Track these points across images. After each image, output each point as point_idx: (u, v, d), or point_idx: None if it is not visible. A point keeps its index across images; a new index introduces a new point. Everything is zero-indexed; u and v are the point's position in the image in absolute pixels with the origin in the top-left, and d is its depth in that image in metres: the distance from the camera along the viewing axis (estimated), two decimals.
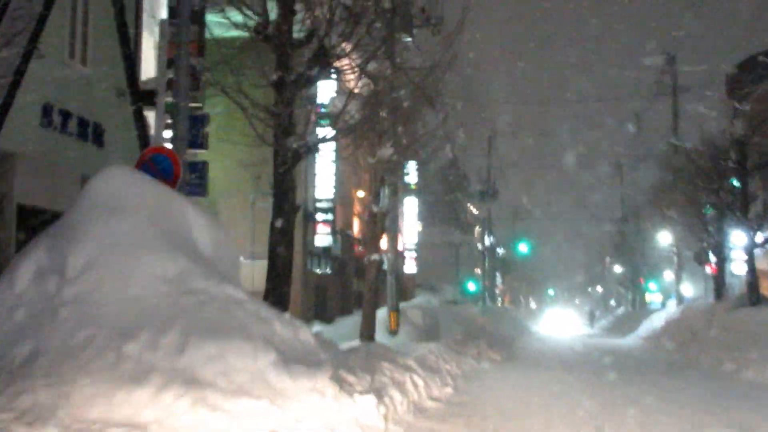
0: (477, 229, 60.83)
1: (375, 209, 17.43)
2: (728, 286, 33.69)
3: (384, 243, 20.70)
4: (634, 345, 28.26)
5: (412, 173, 34.69)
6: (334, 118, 15.06)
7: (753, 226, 22.64)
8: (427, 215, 70.62)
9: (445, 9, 17.07)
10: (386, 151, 17.35)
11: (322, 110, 17.37)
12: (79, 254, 6.86)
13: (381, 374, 9.08)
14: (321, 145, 16.23)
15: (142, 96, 13.60)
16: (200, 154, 14.76)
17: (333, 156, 21.34)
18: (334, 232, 21.44)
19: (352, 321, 20.56)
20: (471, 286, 48.07)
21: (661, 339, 27.92)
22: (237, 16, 12.10)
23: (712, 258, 28.19)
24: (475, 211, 67.20)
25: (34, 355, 6.22)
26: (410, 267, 33.76)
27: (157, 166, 10.32)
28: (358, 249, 26.59)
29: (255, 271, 22.04)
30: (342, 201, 24.92)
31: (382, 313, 20.39)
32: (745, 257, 30.37)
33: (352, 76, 13.94)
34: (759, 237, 22.95)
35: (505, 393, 12.42)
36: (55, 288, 6.70)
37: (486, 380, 14.20)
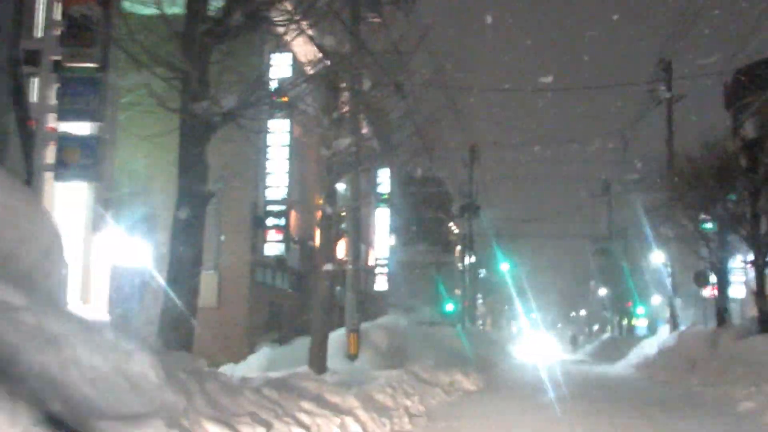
0: (458, 248, 58.14)
1: (328, 210, 14.65)
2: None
3: (343, 252, 17.95)
4: (626, 374, 25.52)
5: (384, 182, 32.03)
6: (279, 92, 12.38)
7: (764, 242, 20.03)
8: (406, 233, 67.99)
9: None
10: (343, 141, 14.64)
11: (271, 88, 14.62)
12: None
13: (292, 423, 6.25)
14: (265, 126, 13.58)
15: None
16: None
17: (287, 153, 18.59)
18: (288, 240, 18.62)
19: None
20: (449, 307, 45.24)
21: (654, 368, 25.20)
22: None
23: (712, 279, 25.64)
24: (456, 230, 64.62)
25: None
26: (381, 284, 30.96)
27: None
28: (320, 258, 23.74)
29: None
30: (302, 207, 22.11)
31: (340, 335, 17.58)
32: (744, 278, 27.87)
33: (291, 36, 11.23)
34: None
35: None
36: None
37: (455, 420, 11.36)
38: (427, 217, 72.77)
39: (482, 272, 67.03)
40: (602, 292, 58.03)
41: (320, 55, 14.20)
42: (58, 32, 10.24)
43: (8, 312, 3.89)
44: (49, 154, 10.00)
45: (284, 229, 18.57)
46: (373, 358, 17.29)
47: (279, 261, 20.30)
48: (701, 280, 25.99)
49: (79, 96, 10.09)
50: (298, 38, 13.52)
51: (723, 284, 24.01)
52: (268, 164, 18.55)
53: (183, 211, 9.21)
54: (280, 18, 10.32)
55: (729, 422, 12.74)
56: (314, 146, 16.13)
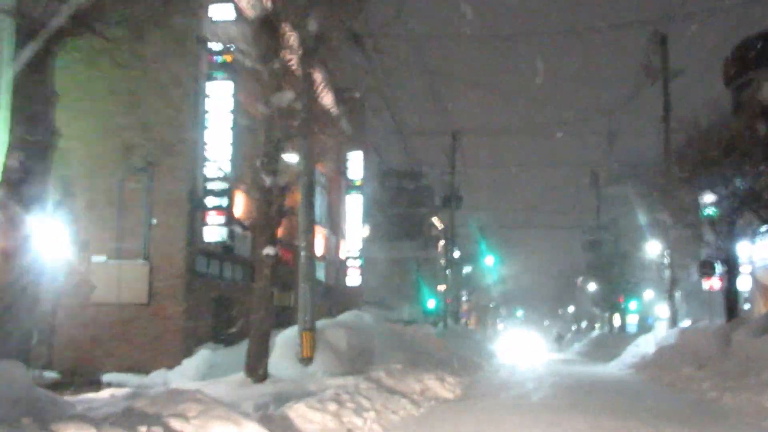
0: (441, 243, 55.53)
1: (267, 182, 11.89)
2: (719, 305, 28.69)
3: (308, 238, 15.22)
4: (623, 376, 22.88)
5: (356, 167, 29.33)
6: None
7: None
8: (386, 228, 65.30)
9: None
10: (284, 95, 11.91)
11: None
12: None
13: None
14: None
15: None
16: None
17: (230, 121, 15.81)
18: (231, 223, 15.83)
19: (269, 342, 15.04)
20: (431, 304, 42.57)
21: (654, 369, 22.59)
22: None
23: (717, 269, 23.10)
24: (439, 225, 61.96)
25: None
26: (353, 278, 28.21)
27: None
28: (281, 251, 21.01)
29: (123, 275, 16.44)
30: None
31: (292, 334, 14.86)
32: (751, 269, 25.33)
33: None
34: None
35: None
36: None
37: None
38: (407, 212, 70.38)
39: (468, 269, 64.55)
40: (592, 287, 55.53)
41: None
42: None
43: None
44: None
45: (227, 210, 15.80)
46: (331, 361, 14.56)
47: (227, 249, 17.54)
48: (707, 270, 23.42)
49: None
50: None
51: (732, 274, 21.42)
52: (207, 134, 15.77)
53: (13, 160, 6.41)
54: None
55: None
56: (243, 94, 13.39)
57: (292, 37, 12.20)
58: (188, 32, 13.56)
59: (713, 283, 27.08)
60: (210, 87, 15.65)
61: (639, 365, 24.99)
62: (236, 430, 5.83)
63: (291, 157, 13.55)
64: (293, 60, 12.47)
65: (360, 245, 28.47)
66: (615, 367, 27.59)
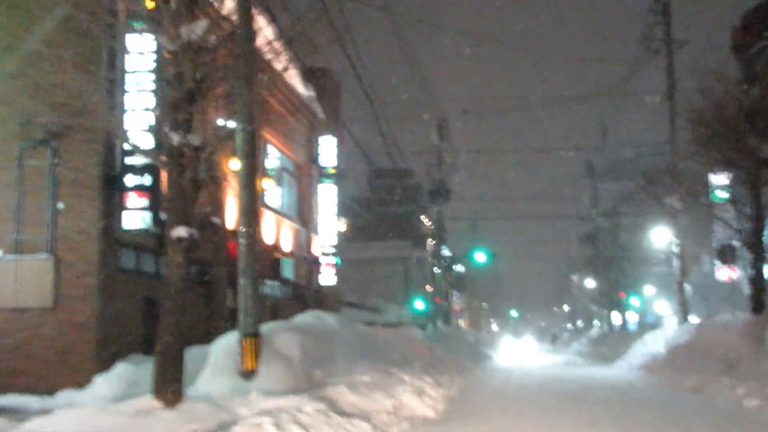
0: (430, 241, 52.67)
1: (175, 140, 8.93)
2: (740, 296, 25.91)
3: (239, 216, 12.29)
4: (634, 380, 20.00)
5: (330, 153, 26.40)
6: None
7: None
8: (373, 227, 62.30)
9: None
10: (196, 25, 8.99)
11: None
12: None
13: None
14: None
15: None
16: None
17: (155, 82, 12.83)
18: (157, 206, 12.83)
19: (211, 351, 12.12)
20: (419, 305, 39.58)
21: (669, 370, 19.74)
22: None
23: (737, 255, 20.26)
24: (429, 224, 59.05)
25: None
26: (327, 278, 25.24)
27: None
28: (232, 243, 18.07)
29: (20, 273, 13.42)
30: None
31: (232, 341, 11.90)
32: None
33: None
34: None
35: None
36: None
37: None
38: (395, 210, 67.54)
39: (460, 269, 61.79)
40: (590, 283, 52.71)
41: None
42: None
43: None
44: None
45: (151, 190, 12.82)
46: (280, 374, 11.60)
47: (161, 240, 14.53)
48: (727, 256, 20.53)
49: None
50: None
51: (759, 259, 18.56)
52: (126, 99, 12.79)
53: None
54: None
55: None
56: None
57: None
58: None
59: (730, 273, 24.19)
60: (129, 41, 12.69)
61: (650, 366, 22.14)
62: None
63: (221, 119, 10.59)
64: None
65: (334, 241, 25.48)
66: (622, 369, 24.74)
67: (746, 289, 22.48)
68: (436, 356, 21.67)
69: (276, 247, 21.49)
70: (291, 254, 22.90)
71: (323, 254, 25.31)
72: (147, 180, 12.77)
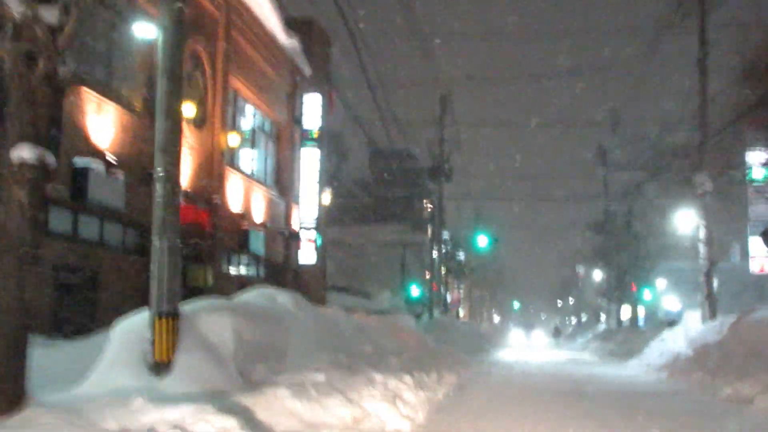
0: (431, 228, 49.60)
1: (16, 13, 5.87)
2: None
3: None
4: (656, 383, 17.03)
5: (314, 113, 23.33)
6: None
7: None
8: (372, 210, 59.23)
9: None
10: None
11: None
12: None
13: None
14: None
15: None
16: None
17: None
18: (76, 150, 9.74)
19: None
20: (414, 291, 36.64)
21: (699, 374, 16.66)
22: None
23: None
24: (430, 208, 55.98)
25: None
26: (307, 255, 22.20)
27: None
28: (186, 206, 15.07)
29: None
30: (140, 109, 13.42)
31: (140, 324, 8.85)
32: None
33: None
34: None
35: None
36: None
37: None
38: (395, 193, 64.46)
39: (461, 256, 58.89)
40: (597, 275, 49.66)
41: None
42: None
43: None
44: None
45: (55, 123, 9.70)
46: (205, 368, 8.61)
47: (77, 194, 11.57)
48: None
49: None
50: None
51: None
52: None
53: None
54: None
55: None
56: None
57: None
58: None
59: (763, 264, 21.14)
60: None
61: (672, 367, 19.10)
62: None
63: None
64: None
65: (316, 214, 22.42)
66: (638, 369, 21.72)
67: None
68: (428, 349, 18.71)
69: (243, 217, 18.47)
70: (263, 226, 19.88)
71: (303, 228, 22.27)
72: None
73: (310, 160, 22.40)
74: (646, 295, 38.50)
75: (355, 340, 11.85)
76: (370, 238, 52.01)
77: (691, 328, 22.32)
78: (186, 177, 15.28)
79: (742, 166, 21.10)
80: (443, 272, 42.23)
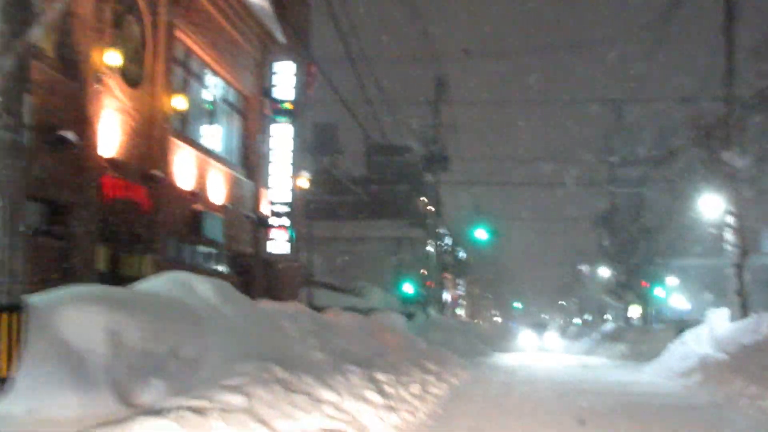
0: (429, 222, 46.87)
1: None
2: None
3: None
4: (688, 394, 14.20)
5: (287, 83, 20.51)
6: None
7: None
8: (370, 206, 56.44)
9: None
10: None
11: None
12: None
13: None
14: None
15: None
16: None
17: None
18: None
19: None
20: (408, 289, 33.83)
21: (736, 381, 13.82)
22: None
23: None
24: (426, 203, 53.25)
25: None
26: (278, 245, 19.35)
27: None
28: (109, 178, 12.28)
29: None
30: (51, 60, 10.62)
31: None
32: None
33: None
34: None
35: None
36: None
37: None
38: (391, 188, 61.66)
39: (460, 253, 56.22)
40: (604, 272, 46.81)
41: None
42: None
43: None
44: None
45: None
46: (58, 387, 5.76)
47: None
48: None
49: None
50: None
51: None
52: None
53: None
54: None
55: None
56: None
57: None
58: None
59: None
60: None
61: (701, 373, 16.29)
62: None
63: None
64: None
65: (290, 197, 19.58)
66: (658, 375, 18.91)
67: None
68: (416, 352, 15.89)
69: (196, 196, 15.62)
70: (222, 209, 17.03)
71: (274, 214, 19.42)
72: None
73: (281, 137, 19.56)
74: (659, 292, 35.66)
75: (305, 344, 8.99)
76: (364, 234, 49.42)
77: (717, 328, 19.48)
78: (114, 143, 12.46)
79: None
80: (440, 269, 39.40)
